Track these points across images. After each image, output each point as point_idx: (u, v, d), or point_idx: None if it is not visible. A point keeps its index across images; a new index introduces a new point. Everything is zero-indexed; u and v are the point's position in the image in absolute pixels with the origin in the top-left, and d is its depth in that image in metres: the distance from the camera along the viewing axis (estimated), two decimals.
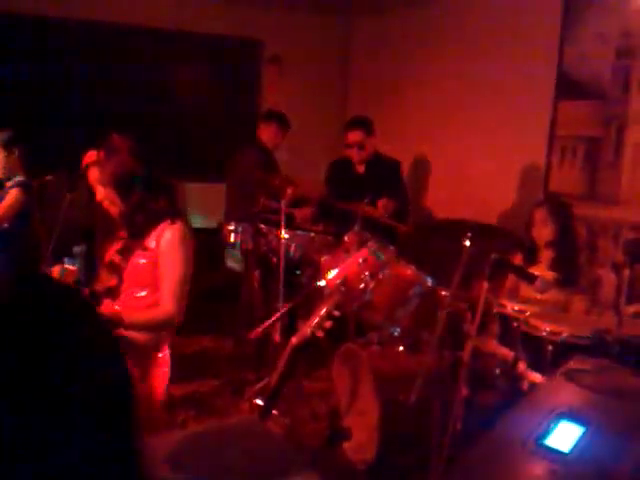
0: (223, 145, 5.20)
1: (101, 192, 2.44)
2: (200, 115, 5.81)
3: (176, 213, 2.47)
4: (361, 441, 3.15)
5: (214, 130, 5.78)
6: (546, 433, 1.53)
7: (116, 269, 2.46)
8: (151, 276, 2.42)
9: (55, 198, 2.67)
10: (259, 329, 3.40)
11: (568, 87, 4.37)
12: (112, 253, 2.51)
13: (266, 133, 4.76)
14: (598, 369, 2.01)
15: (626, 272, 2.63)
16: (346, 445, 3.16)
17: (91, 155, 2.79)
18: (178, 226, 2.42)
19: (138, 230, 2.43)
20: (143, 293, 2.44)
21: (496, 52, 4.84)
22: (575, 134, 4.35)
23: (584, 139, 4.30)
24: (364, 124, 4.52)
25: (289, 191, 3.80)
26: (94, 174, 2.46)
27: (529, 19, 4.60)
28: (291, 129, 4.88)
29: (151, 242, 2.41)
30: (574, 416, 1.64)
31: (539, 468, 1.38)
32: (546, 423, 1.57)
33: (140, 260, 2.43)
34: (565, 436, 1.54)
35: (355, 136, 4.47)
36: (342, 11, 6.06)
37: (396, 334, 3.27)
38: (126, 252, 2.46)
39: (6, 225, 3.86)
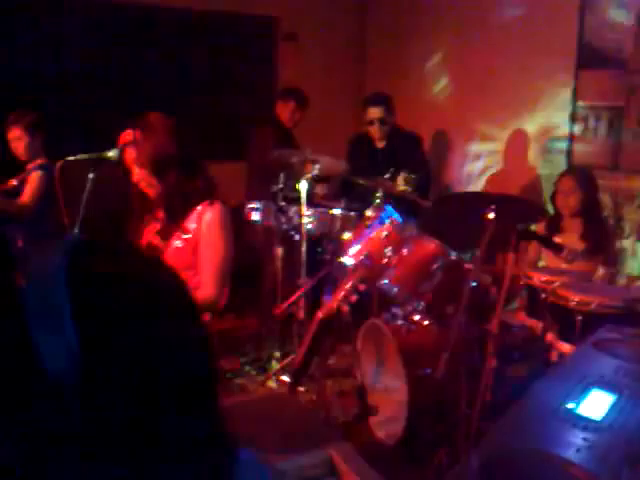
0: (241, 124, 5.19)
1: (138, 173, 2.40)
2: (217, 94, 5.78)
3: (213, 193, 2.43)
4: (388, 416, 3.17)
5: (231, 109, 5.75)
6: (578, 401, 1.53)
7: (155, 251, 2.44)
8: (191, 258, 2.38)
9: (79, 180, 2.67)
10: (283, 306, 3.43)
11: (590, 56, 4.29)
12: (151, 235, 2.48)
13: (284, 111, 4.73)
14: (629, 338, 2.00)
15: None
16: (373, 421, 3.18)
17: (127, 135, 2.75)
18: (218, 207, 2.38)
19: (177, 212, 2.39)
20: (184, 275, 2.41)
21: (516, 23, 4.76)
22: (597, 104, 4.29)
23: (607, 108, 4.23)
24: (384, 100, 4.49)
25: (309, 168, 3.78)
26: (131, 155, 2.43)
27: None
28: (309, 106, 4.85)
29: (191, 224, 2.37)
30: (605, 384, 1.63)
31: (572, 436, 1.38)
32: (577, 392, 1.57)
33: (180, 242, 2.40)
34: (597, 404, 1.53)
35: (376, 112, 4.45)
36: None
37: (420, 308, 3.27)
38: (165, 234, 2.43)
39: (32, 208, 3.90)
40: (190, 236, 2.37)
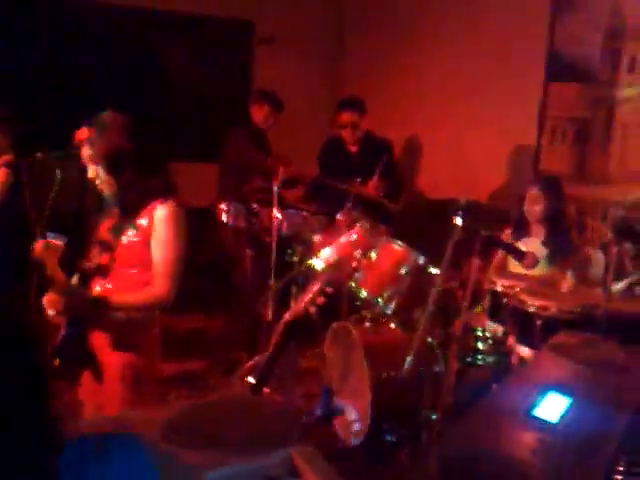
0: (215, 126, 5.20)
1: (93, 170, 2.44)
2: (192, 96, 5.78)
3: (169, 192, 2.46)
4: (353, 418, 3.20)
5: (206, 111, 5.76)
6: (535, 404, 1.57)
7: (107, 247, 2.45)
8: (142, 254, 2.41)
9: (46, 177, 2.66)
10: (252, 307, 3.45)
11: (558, 69, 4.38)
12: (103, 231, 2.51)
13: (258, 113, 4.75)
14: (585, 343, 2.05)
15: (614, 249, 2.67)
16: (338, 422, 3.21)
17: (83, 132, 2.78)
18: (170, 205, 2.41)
19: (129, 208, 2.43)
20: (134, 271, 2.43)
21: (487, 35, 4.84)
22: (565, 115, 4.38)
23: (574, 120, 4.32)
24: (357, 104, 4.53)
25: (281, 171, 3.81)
26: (87, 152, 2.45)
27: (519, 1, 4.60)
28: (284, 109, 4.87)
29: (143, 220, 2.41)
30: (562, 388, 1.68)
31: (528, 438, 1.42)
32: (535, 395, 1.61)
33: (131, 238, 2.42)
34: (553, 407, 1.58)
35: (348, 116, 4.49)
36: None
37: (388, 311, 3.31)
38: (117, 230, 2.46)
39: None
40: (141, 232, 2.39)
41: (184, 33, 5.72)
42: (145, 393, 2.49)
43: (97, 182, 2.45)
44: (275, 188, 3.66)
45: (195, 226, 4.37)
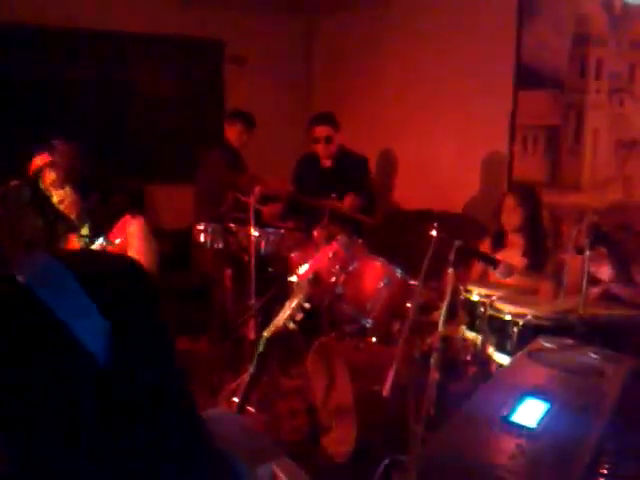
0: (189, 146, 5.21)
1: (59, 194, 2.45)
2: (164, 117, 5.79)
3: (135, 208, 2.50)
4: (339, 434, 3.19)
5: (179, 132, 5.77)
6: (512, 410, 1.59)
7: None
8: None
9: (20, 204, 2.66)
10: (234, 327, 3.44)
11: (527, 77, 4.45)
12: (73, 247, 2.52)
13: (232, 132, 4.78)
14: (562, 348, 2.07)
15: (588, 255, 2.70)
16: (325, 439, 3.20)
17: (42, 158, 2.79)
18: (140, 220, 2.46)
19: (100, 226, 2.46)
20: None
21: (456, 45, 4.91)
22: (536, 123, 4.45)
23: (545, 127, 4.39)
24: (330, 119, 4.58)
25: (257, 189, 3.82)
26: (49, 177, 2.47)
27: (486, 9, 4.67)
28: (257, 127, 4.90)
29: (116, 238, 2.43)
30: (539, 393, 1.70)
31: (506, 443, 1.43)
32: (512, 401, 1.63)
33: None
34: (531, 412, 1.59)
35: (321, 130, 4.53)
36: (304, 9, 6.09)
37: (368, 325, 3.31)
38: (88, 245, 2.48)
39: None
40: (115, 249, 2.42)
41: (154, 54, 5.73)
42: None
43: (61, 206, 2.48)
44: (251, 206, 3.66)
45: (174, 247, 4.38)
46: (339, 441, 3.18)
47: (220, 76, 5.99)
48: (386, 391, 2.70)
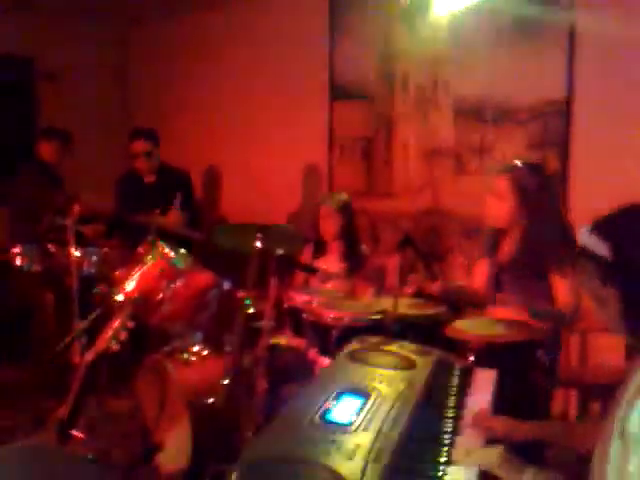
0: (2, 166, 4.92)
1: None
2: None
3: None
4: (174, 451, 3.16)
5: None
6: (330, 409, 1.68)
7: None
8: None
9: None
10: (55, 353, 3.29)
11: (340, 90, 4.68)
12: None
13: (47, 150, 4.60)
14: (376, 345, 2.23)
15: (399, 257, 2.91)
16: (159, 458, 3.15)
17: None
18: None
19: None
20: None
21: (272, 60, 5.06)
22: (351, 134, 4.69)
23: (359, 139, 4.64)
24: (148, 133, 4.53)
25: (76, 208, 3.69)
26: None
27: (300, 27, 4.86)
28: (75, 144, 4.75)
29: None
30: (356, 390, 1.81)
31: (323, 441, 1.51)
32: (330, 400, 1.73)
33: None
34: (347, 409, 1.70)
35: (140, 146, 4.47)
36: (117, 23, 5.97)
37: (198, 339, 3.32)
38: None
39: None
40: None
41: None
42: None
43: None
44: (69, 226, 3.53)
45: None
46: (174, 458, 3.15)
47: (29, 93, 5.71)
48: (218, 402, 2.73)
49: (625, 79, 3.34)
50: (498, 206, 2.87)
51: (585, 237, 1.44)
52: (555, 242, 2.78)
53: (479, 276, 3.12)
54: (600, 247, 1.40)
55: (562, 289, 2.79)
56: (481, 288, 3.10)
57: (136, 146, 4.48)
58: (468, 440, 1.77)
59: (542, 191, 2.84)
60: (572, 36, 3.55)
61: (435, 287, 3.05)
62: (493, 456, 1.64)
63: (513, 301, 2.84)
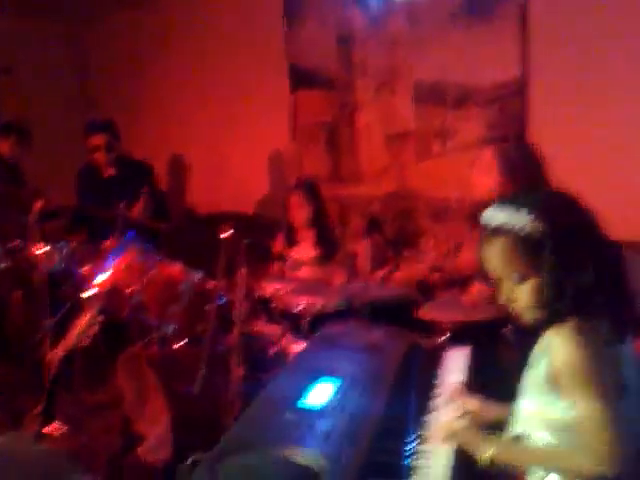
0: None
1: None
2: None
3: None
4: (156, 442, 3.17)
5: None
6: (304, 393, 1.71)
7: None
8: None
9: None
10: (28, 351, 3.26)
11: (300, 76, 4.64)
12: None
13: (5, 146, 4.52)
14: (349, 330, 2.26)
15: (368, 242, 2.94)
16: (141, 449, 3.16)
17: None
18: None
19: None
20: None
21: (231, 47, 5.01)
22: (315, 121, 4.67)
23: (323, 125, 4.62)
24: (106, 126, 4.43)
25: (38, 204, 3.65)
26: None
27: (254, 12, 4.82)
28: (34, 139, 4.68)
29: None
30: (330, 374, 1.84)
31: (298, 425, 1.54)
32: (304, 384, 1.76)
33: None
34: (321, 393, 1.73)
35: (97, 139, 4.37)
36: (72, 17, 5.85)
37: (172, 330, 3.32)
38: None
39: None
40: None
41: None
42: None
43: None
44: (33, 222, 3.50)
45: None
46: (156, 448, 3.16)
47: None
48: (196, 390, 2.75)
49: (578, 57, 3.40)
50: (483, 181, 2.84)
51: (507, 214, 1.47)
52: None
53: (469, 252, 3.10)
54: (530, 224, 1.43)
55: None
56: (471, 264, 3.06)
57: (93, 140, 4.38)
58: (442, 418, 1.81)
59: (528, 164, 2.83)
60: (524, 17, 3.59)
61: (405, 271, 3.07)
62: (466, 433, 1.68)
63: None
